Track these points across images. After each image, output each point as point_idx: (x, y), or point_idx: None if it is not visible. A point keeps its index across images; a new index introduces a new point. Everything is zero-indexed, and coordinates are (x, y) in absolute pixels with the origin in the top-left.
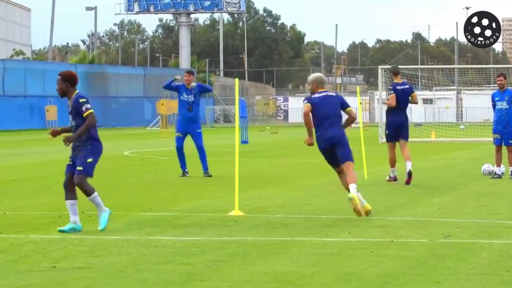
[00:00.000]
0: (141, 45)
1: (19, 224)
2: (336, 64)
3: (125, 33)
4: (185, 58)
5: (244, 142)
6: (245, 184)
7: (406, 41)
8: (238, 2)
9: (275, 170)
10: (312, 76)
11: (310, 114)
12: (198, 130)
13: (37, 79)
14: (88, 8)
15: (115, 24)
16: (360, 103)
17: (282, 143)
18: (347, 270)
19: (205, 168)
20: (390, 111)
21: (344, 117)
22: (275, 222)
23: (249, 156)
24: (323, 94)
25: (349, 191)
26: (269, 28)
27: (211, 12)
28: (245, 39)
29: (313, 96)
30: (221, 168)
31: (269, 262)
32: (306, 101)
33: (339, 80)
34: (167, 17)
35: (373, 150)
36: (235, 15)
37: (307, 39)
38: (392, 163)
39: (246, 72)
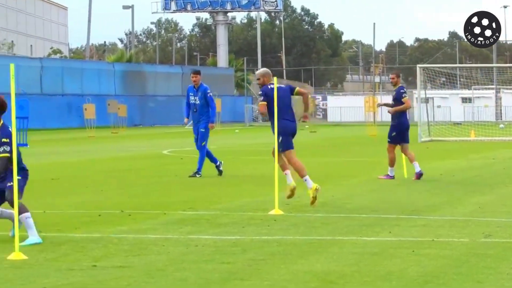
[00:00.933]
0: (178, 44)
1: (59, 223)
2: (374, 63)
3: (163, 31)
4: (222, 57)
5: None
6: (284, 183)
7: (444, 39)
8: (275, 1)
9: (314, 169)
10: (262, 70)
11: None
12: (201, 129)
13: (75, 78)
14: (125, 7)
15: (152, 23)
16: None
17: (321, 142)
18: (388, 269)
19: (199, 168)
20: (401, 114)
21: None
22: (315, 221)
23: None
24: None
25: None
26: (306, 26)
27: (248, 11)
28: (283, 38)
29: (269, 87)
30: (260, 167)
31: (310, 261)
32: (262, 93)
33: (377, 79)
34: (204, 15)
35: (412, 149)
36: (272, 14)
37: (345, 38)
38: (393, 163)
39: (284, 71)
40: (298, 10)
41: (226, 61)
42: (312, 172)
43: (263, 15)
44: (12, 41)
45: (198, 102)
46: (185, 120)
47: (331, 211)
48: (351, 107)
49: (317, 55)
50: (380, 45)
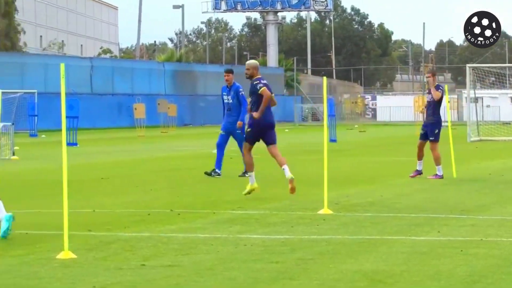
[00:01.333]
0: (228, 43)
1: (108, 222)
2: (424, 62)
3: (213, 31)
4: (272, 57)
5: (332, 140)
6: (334, 183)
7: None
8: (325, 1)
9: (363, 168)
10: (253, 62)
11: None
12: (238, 131)
13: (125, 78)
14: (175, 7)
15: (202, 22)
16: (448, 102)
17: (370, 141)
18: (437, 268)
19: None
20: (439, 111)
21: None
22: (364, 220)
23: (337, 155)
24: (265, 80)
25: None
26: (356, 26)
27: (298, 11)
28: (333, 38)
29: (263, 81)
30: (309, 167)
31: (359, 261)
32: (262, 85)
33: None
34: (254, 15)
35: (461, 149)
36: (322, 14)
37: (394, 38)
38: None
39: (334, 70)
40: (348, 10)
41: (276, 61)
42: (361, 172)
43: (313, 15)
44: (63, 41)
45: (231, 101)
46: (238, 123)
47: (380, 210)
48: (401, 106)
49: (367, 55)
50: (430, 45)
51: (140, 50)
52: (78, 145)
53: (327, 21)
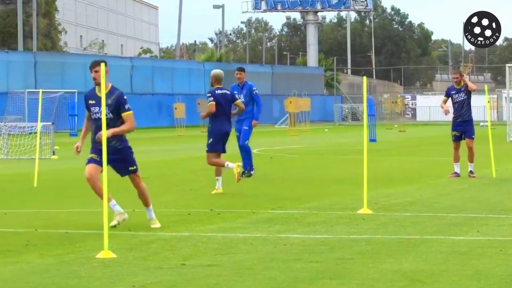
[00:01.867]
0: (268, 43)
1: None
2: (464, 62)
3: (253, 31)
4: (312, 56)
5: (372, 140)
6: (373, 182)
7: None
8: (365, 1)
9: (403, 168)
10: (212, 73)
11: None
12: (245, 127)
13: (165, 77)
14: (215, 6)
15: (242, 22)
16: (488, 102)
17: (410, 141)
18: (476, 268)
19: (251, 165)
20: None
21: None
22: (403, 220)
23: (377, 154)
24: (223, 91)
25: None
26: (396, 26)
27: (338, 10)
28: (373, 37)
29: (216, 91)
30: (349, 166)
31: (398, 260)
32: (210, 95)
33: (466, 79)
34: (294, 15)
35: (501, 149)
36: (362, 13)
37: (434, 37)
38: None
39: (374, 70)
40: (388, 10)
41: (316, 61)
42: (400, 171)
43: (353, 15)
44: (103, 41)
45: (243, 99)
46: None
47: (420, 210)
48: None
49: (406, 55)
50: (470, 45)
51: (180, 50)
52: None
53: (367, 21)
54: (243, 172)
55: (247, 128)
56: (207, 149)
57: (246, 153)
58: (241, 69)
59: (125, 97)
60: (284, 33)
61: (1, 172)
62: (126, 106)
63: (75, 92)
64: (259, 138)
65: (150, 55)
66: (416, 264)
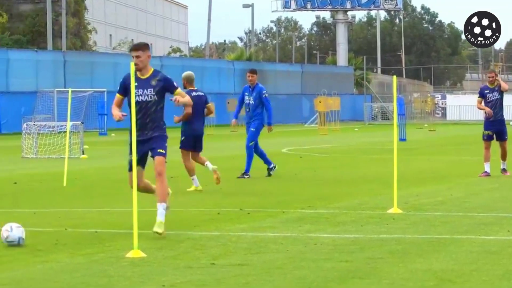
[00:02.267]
0: (298, 42)
1: (178, 221)
2: (494, 61)
3: (282, 30)
4: (342, 56)
5: (402, 139)
6: (403, 182)
7: None
8: (395, 0)
9: (433, 167)
10: (184, 75)
11: None
12: (251, 129)
13: (195, 76)
14: (245, 6)
15: (272, 21)
16: None
17: (440, 140)
18: (507, 268)
19: (246, 169)
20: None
21: None
22: (433, 219)
23: (407, 154)
24: (198, 93)
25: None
26: (426, 25)
27: (368, 10)
28: (402, 37)
29: (191, 94)
30: (379, 166)
31: (428, 260)
32: None
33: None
34: (324, 14)
35: None
36: (392, 13)
37: (464, 37)
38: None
39: (404, 69)
40: (418, 9)
41: (345, 60)
42: (430, 171)
43: (383, 14)
44: (132, 40)
45: (252, 102)
46: (233, 121)
47: (450, 209)
48: (470, 105)
49: (436, 54)
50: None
51: (209, 49)
52: None
53: (397, 20)
54: (244, 173)
55: (254, 130)
56: (179, 146)
57: (247, 155)
58: (253, 71)
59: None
60: (313, 32)
61: (30, 171)
62: (175, 83)
63: (104, 91)
64: (289, 138)
65: (180, 54)
66: (446, 264)
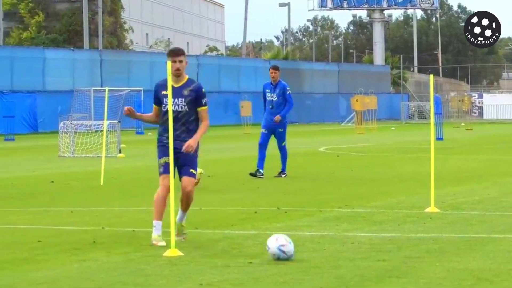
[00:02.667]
0: (334, 41)
1: (215, 220)
2: None
3: (319, 29)
4: (379, 55)
5: (439, 138)
6: (440, 181)
7: None
8: None
9: (470, 166)
10: None
11: None
12: (280, 130)
13: (231, 75)
14: (281, 4)
15: (308, 20)
16: None
17: (477, 139)
18: None
19: (283, 168)
20: None
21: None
22: (471, 218)
23: (444, 153)
24: None
25: None
26: (463, 24)
27: (404, 8)
28: (439, 35)
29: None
30: (415, 165)
31: (465, 259)
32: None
33: None
34: (361, 13)
35: None
36: (429, 11)
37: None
38: None
39: (441, 68)
40: (455, 8)
41: (382, 59)
42: (467, 170)
43: (419, 13)
44: (169, 39)
45: (275, 99)
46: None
47: (487, 209)
48: (508, 104)
49: (473, 53)
50: None
51: (246, 48)
52: None
53: (434, 19)
54: (281, 172)
55: (282, 130)
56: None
57: (282, 155)
58: (276, 68)
59: (203, 90)
60: (350, 31)
61: (67, 170)
62: (204, 100)
63: (141, 90)
64: (326, 136)
65: (216, 53)
66: (484, 263)
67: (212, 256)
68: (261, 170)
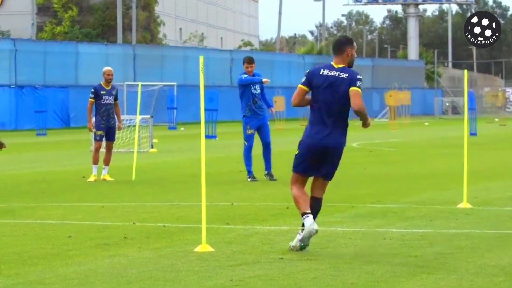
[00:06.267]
0: (369, 36)
1: (246, 215)
2: None
3: (353, 24)
4: (413, 50)
5: (472, 134)
6: (473, 176)
7: None
8: None
9: (503, 162)
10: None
11: None
12: (268, 123)
13: (265, 70)
14: None
15: (343, 15)
16: None
17: (511, 135)
18: None
19: (268, 167)
20: None
21: None
22: (503, 214)
23: (477, 148)
24: None
25: None
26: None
27: (439, 3)
28: None
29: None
30: (448, 160)
31: (497, 255)
32: None
33: None
34: (395, 8)
35: None
36: (464, 6)
37: None
38: None
39: (475, 63)
40: (490, 2)
41: (416, 54)
42: (500, 165)
43: (455, 8)
44: (203, 33)
45: (258, 91)
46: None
47: None
48: None
49: (508, 48)
50: None
51: (280, 43)
52: (216, 138)
53: (468, 14)
54: (268, 173)
55: (268, 123)
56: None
57: (269, 153)
58: (253, 61)
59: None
60: (385, 26)
61: (99, 165)
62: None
63: (174, 85)
64: (359, 132)
65: (250, 48)
66: None
67: (243, 251)
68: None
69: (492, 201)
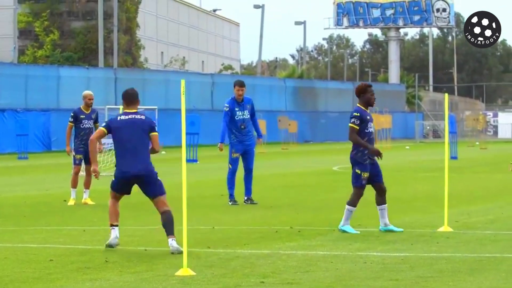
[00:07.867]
0: (350, 60)
1: (227, 239)
2: None
3: (334, 47)
4: (394, 73)
5: (453, 157)
6: (454, 200)
7: None
8: (448, 17)
9: (484, 186)
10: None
11: None
12: (254, 149)
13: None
14: (297, 23)
15: (324, 39)
16: None
17: (492, 159)
18: None
19: (248, 193)
20: None
21: None
22: (484, 238)
23: (458, 172)
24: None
25: None
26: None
27: (420, 27)
28: (455, 54)
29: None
30: (429, 184)
31: (478, 279)
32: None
33: None
34: (376, 31)
35: None
36: (445, 30)
37: None
38: None
39: (456, 87)
40: None
41: (397, 77)
42: (481, 189)
43: (436, 31)
44: (184, 57)
45: (247, 116)
46: (220, 145)
47: (501, 228)
48: None
49: (488, 71)
50: None
51: (261, 67)
52: (198, 162)
53: (449, 38)
54: (248, 199)
55: (254, 149)
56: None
57: (250, 179)
58: (244, 84)
59: None
60: (365, 49)
61: (80, 188)
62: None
63: (155, 108)
64: (340, 155)
65: (231, 71)
66: (497, 283)
67: (224, 275)
68: (232, 196)
69: (473, 224)
